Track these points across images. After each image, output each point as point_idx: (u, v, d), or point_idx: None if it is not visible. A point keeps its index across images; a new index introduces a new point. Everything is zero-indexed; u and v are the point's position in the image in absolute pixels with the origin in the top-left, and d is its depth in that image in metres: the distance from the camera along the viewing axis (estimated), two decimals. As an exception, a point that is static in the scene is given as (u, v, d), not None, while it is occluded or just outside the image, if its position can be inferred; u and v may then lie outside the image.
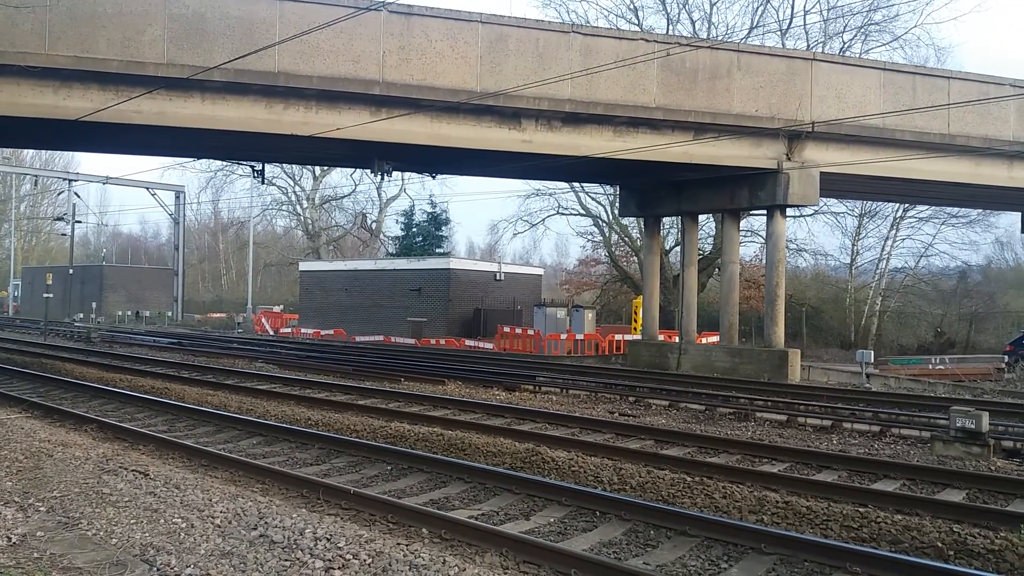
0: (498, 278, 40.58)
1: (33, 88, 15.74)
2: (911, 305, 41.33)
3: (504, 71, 17.89)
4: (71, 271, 50.83)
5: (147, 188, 53.93)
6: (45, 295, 38.11)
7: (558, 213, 44.60)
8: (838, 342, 37.39)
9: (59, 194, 60.02)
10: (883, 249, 41.53)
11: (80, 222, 48.12)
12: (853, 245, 42.44)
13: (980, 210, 36.63)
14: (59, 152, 64.84)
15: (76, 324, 40.45)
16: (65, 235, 51.49)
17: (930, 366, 25.03)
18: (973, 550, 6.85)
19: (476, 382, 19.18)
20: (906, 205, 38.04)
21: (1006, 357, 25.29)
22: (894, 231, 40.78)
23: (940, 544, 7.00)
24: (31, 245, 78.11)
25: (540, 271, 47.29)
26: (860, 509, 7.95)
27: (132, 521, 6.55)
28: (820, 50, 34.36)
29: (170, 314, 55.51)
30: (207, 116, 16.71)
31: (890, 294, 41.78)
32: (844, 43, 37.29)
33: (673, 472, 9.53)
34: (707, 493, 8.62)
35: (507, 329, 33.43)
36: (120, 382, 18.03)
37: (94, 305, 53.42)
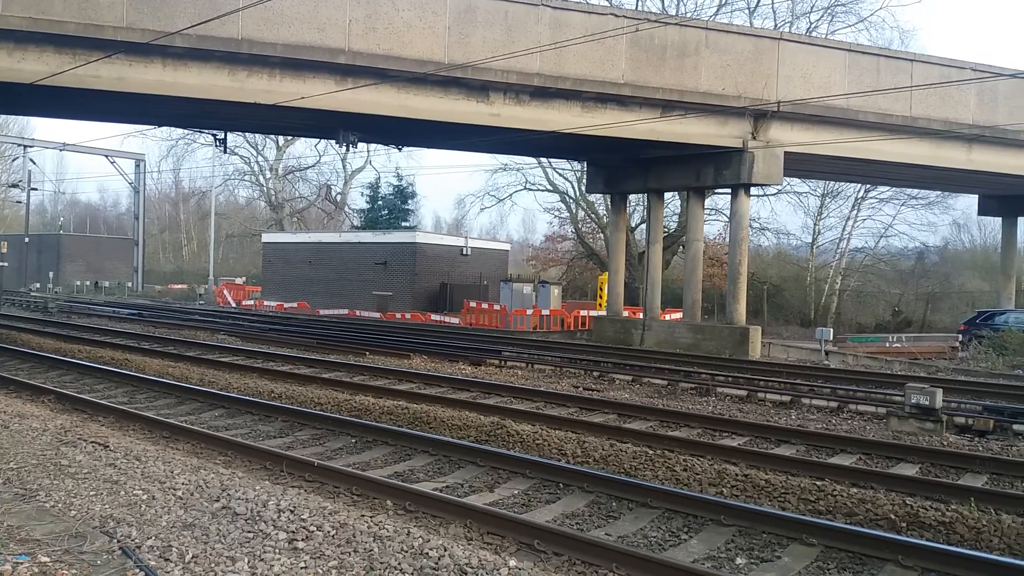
0: (465, 253, 40.48)
1: (-14, 50, 15.26)
2: (870, 284, 42.11)
3: (472, 43, 17.72)
4: (27, 240, 49.66)
5: (106, 156, 52.69)
6: (-1, 264, 37.23)
7: (525, 188, 44.62)
8: (798, 320, 38.00)
9: (14, 160, 58.38)
10: (844, 229, 42.28)
11: (36, 189, 47.05)
12: (815, 225, 43.13)
13: (939, 192, 37.33)
14: (13, 117, 63.00)
15: (32, 294, 39.63)
16: (20, 202, 50.17)
17: (887, 344, 25.57)
18: (925, 522, 7.05)
19: (442, 356, 19.17)
20: (867, 186, 38.66)
21: (960, 336, 25.88)
22: (855, 211, 41.51)
23: (893, 516, 7.19)
24: (-16, 212, 76.02)
25: (507, 246, 47.25)
26: (817, 482, 8.13)
27: (92, 493, 6.47)
28: (787, 30, 34.58)
29: (130, 285, 54.57)
30: (168, 83, 16.33)
31: (850, 273, 42.52)
32: (811, 23, 37.62)
33: (635, 445, 9.64)
34: (668, 466, 8.74)
35: (473, 304, 33.42)
36: (79, 353, 17.72)
37: (51, 275, 52.35)
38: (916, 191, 37.71)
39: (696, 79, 19.93)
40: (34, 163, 50.21)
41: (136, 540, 5.34)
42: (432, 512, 7.07)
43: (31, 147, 51.93)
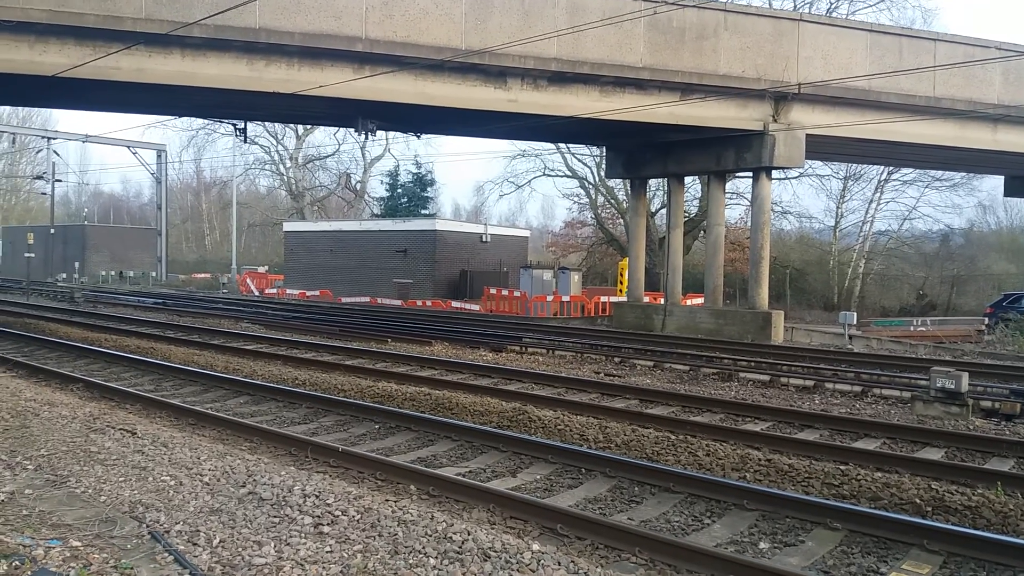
0: (484, 240, 40.49)
1: (8, 43, 15.38)
2: (894, 268, 41.66)
3: (489, 28, 17.65)
4: (52, 231, 50.23)
5: (128, 147, 53.10)
6: (27, 255, 37.74)
7: (544, 174, 44.51)
8: (821, 304, 37.69)
9: (38, 152, 58.95)
10: (867, 212, 41.79)
11: (60, 181, 47.49)
12: (837, 208, 42.67)
13: (963, 173, 36.80)
14: (37, 109, 63.72)
15: (59, 284, 40.13)
16: (45, 194, 50.72)
17: (912, 328, 25.27)
18: (951, 506, 7.00)
19: (463, 343, 19.23)
20: (890, 168, 38.15)
21: (986, 319, 25.56)
22: (878, 194, 40.99)
23: (919, 501, 7.15)
24: (11, 204, 77.07)
25: (526, 233, 47.20)
26: (841, 467, 8.10)
27: (121, 479, 6.57)
28: (807, 11, 34.12)
29: (154, 274, 55.12)
30: (187, 73, 16.42)
31: (873, 257, 42.06)
32: (831, 4, 37.07)
33: (657, 430, 9.64)
34: (691, 451, 8.74)
35: (493, 291, 33.45)
36: (105, 342, 17.96)
37: (77, 265, 52.97)
38: (940, 173, 37.17)
39: (715, 62, 19.75)
40: (58, 155, 50.70)
41: (164, 525, 5.42)
42: (455, 497, 7.12)
43: (55, 139, 52.45)
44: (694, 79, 19.47)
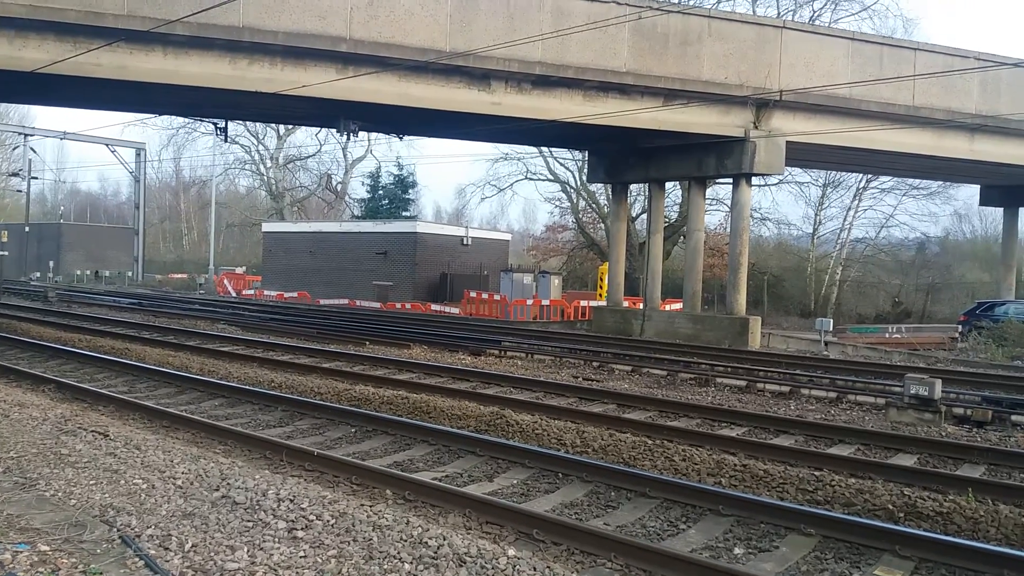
0: (465, 243, 40.45)
1: (-14, 38, 15.21)
2: (870, 275, 42.09)
3: (474, 31, 17.65)
4: (27, 229, 49.61)
5: (107, 144, 52.56)
6: (0, 253, 37.17)
7: (526, 178, 44.63)
8: (798, 310, 37.99)
9: (14, 148, 58.18)
10: (845, 219, 42.24)
11: (36, 178, 46.94)
12: (816, 215, 43.07)
13: (940, 182, 37.24)
14: (14, 105, 62.85)
15: (33, 283, 39.64)
16: (21, 191, 50.11)
17: (887, 335, 25.55)
18: (923, 512, 7.06)
19: (442, 346, 19.18)
20: (869, 176, 38.56)
21: (960, 327, 25.87)
22: (856, 202, 41.44)
23: (891, 507, 7.20)
24: (-15, 201, 75.97)
25: (507, 236, 47.20)
26: (816, 473, 8.14)
27: (91, 482, 6.48)
28: (790, 18, 34.42)
29: (130, 274, 54.57)
30: (169, 71, 16.28)
31: (850, 264, 42.48)
32: (814, 12, 37.47)
33: (635, 435, 9.65)
34: (667, 456, 8.76)
35: (473, 294, 33.42)
36: (79, 342, 17.74)
37: (51, 264, 52.38)
38: (918, 181, 37.62)
39: (699, 68, 19.86)
40: (34, 152, 50.10)
41: (136, 529, 5.35)
42: (431, 501, 7.09)
43: (32, 135, 51.75)
44: (677, 85, 19.57)
